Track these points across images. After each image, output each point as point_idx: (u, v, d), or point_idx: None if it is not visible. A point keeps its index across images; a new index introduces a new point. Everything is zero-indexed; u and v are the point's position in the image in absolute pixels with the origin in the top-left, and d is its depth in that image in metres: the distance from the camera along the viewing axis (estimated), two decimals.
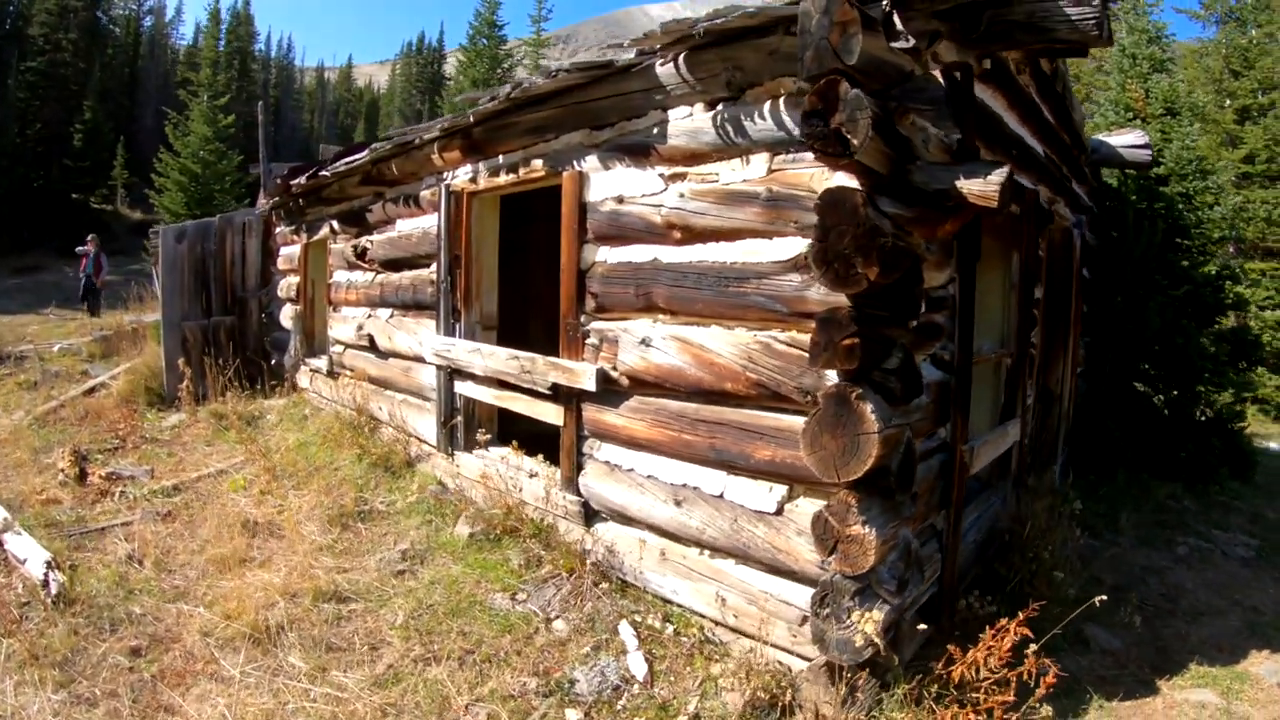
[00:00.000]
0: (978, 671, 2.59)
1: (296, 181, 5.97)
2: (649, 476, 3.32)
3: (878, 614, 2.49)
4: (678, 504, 3.19)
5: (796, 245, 2.75)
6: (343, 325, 6.07)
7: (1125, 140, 5.66)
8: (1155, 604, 3.99)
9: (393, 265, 5.34)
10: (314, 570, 3.89)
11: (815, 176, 2.72)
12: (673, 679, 3.00)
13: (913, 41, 2.52)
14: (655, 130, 3.24)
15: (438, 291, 4.65)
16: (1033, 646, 2.59)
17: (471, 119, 3.81)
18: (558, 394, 3.68)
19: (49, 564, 3.71)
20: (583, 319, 3.58)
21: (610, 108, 3.45)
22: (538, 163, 3.88)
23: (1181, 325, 5.42)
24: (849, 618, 2.58)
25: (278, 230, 7.50)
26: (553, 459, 3.92)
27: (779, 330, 2.84)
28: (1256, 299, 6.27)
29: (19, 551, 3.94)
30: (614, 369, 3.40)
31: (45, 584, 3.56)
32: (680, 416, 3.15)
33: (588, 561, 3.58)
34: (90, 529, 4.56)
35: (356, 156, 5.22)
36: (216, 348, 7.01)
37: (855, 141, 2.33)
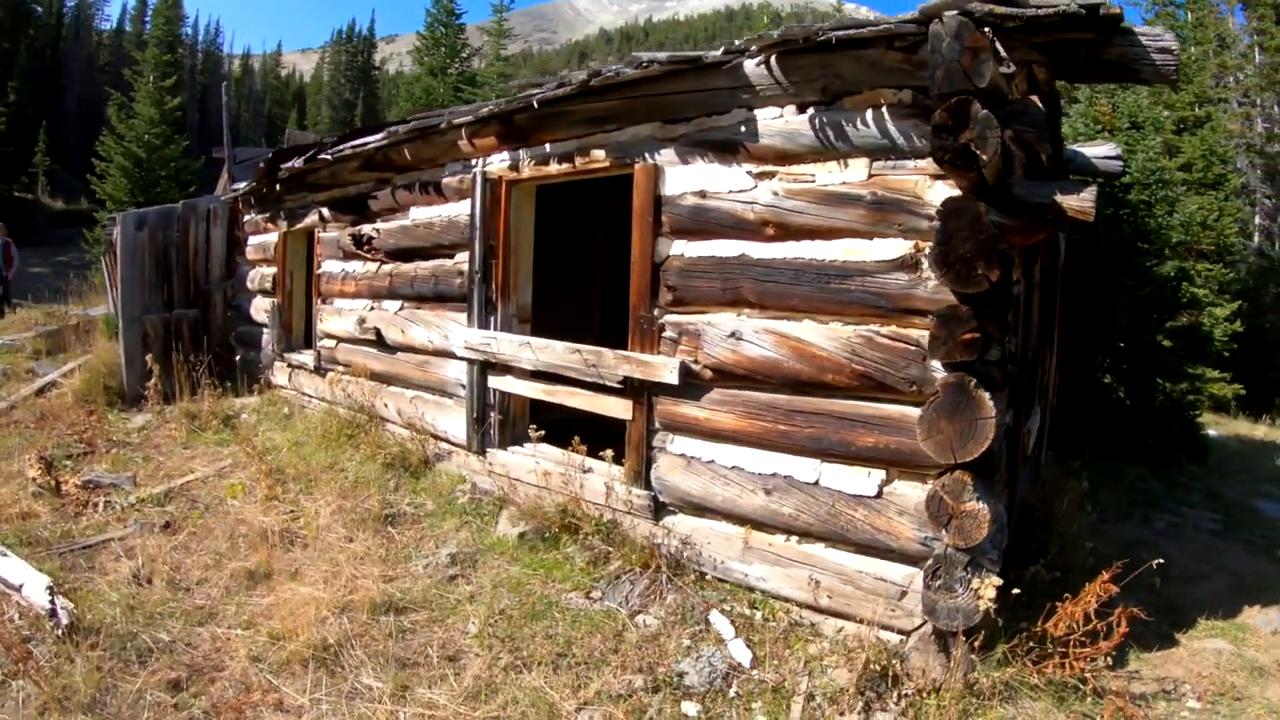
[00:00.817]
0: (1058, 626, 2.99)
1: (289, 165, 5.69)
2: (733, 467, 3.51)
3: (997, 580, 2.81)
4: (767, 493, 3.40)
5: (900, 246, 3.03)
6: (336, 318, 5.86)
7: (1099, 151, 6.37)
8: (1161, 571, 4.60)
9: (403, 255, 5.23)
10: (357, 580, 3.76)
11: (919, 184, 3.01)
12: (776, 662, 3.20)
13: (1014, 68, 2.85)
14: (743, 128, 3.42)
15: (469, 283, 4.62)
16: (1096, 606, 3.03)
17: (536, 104, 3.84)
18: (628, 388, 3.79)
19: (52, 590, 3.40)
20: (656, 312, 3.71)
21: (688, 102, 3.60)
22: (599, 153, 3.96)
23: (1146, 322, 6.20)
24: (961, 588, 2.88)
25: (246, 218, 7.11)
26: (604, 453, 3.98)
27: (879, 325, 3.10)
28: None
29: (10, 576, 3.61)
30: (695, 362, 3.56)
31: (52, 614, 3.29)
32: (772, 408, 3.36)
33: (660, 555, 3.71)
34: (80, 545, 4.26)
35: (368, 139, 5.07)
36: (179, 343, 6.56)
37: (985, 157, 2.64)
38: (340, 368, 5.74)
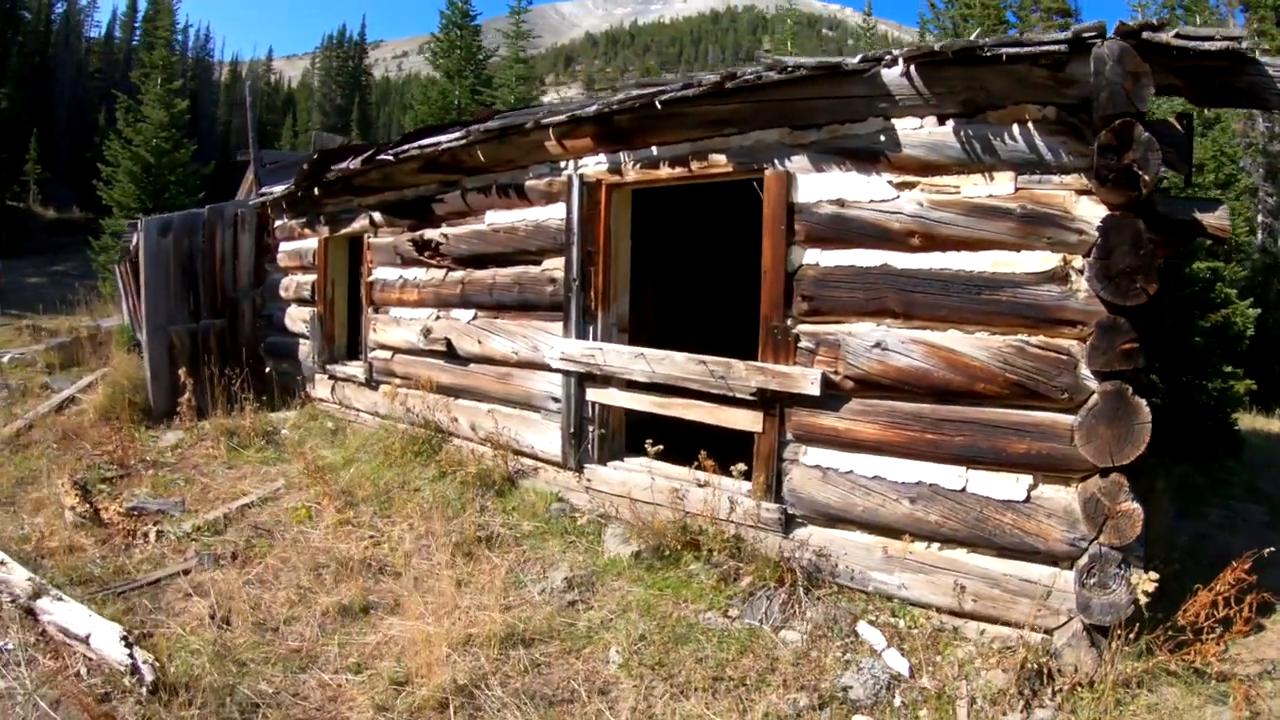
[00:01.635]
0: (1198, 616, 3.36)
1: (342, 166, 5.66)
2: (874, 477, 3.77)
3: (1154, 574, 3.16)
4: (911, 501, 3.67)
5: (1050, 259, 3.34)
6: (394, 328, 5.87)
7: None
8: (1224, 560, 5.09)
9: (477, 261, 5.31)
10: (472, 612, 3.67)
11: (1067, 198, 3.33)
12: (931, 669, 3.46)
13: (1154, 91, 3.21)
14: (883, 137, 3.68)
15: (564, 291, 4.75)
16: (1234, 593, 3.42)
17: (659, 105, 3.97)
18: (760, 399, 4.01)
19: (127, 640, 3.16)
20: (789, 322, 3.95)
21: (819, 109, 3.84)
22: (719, 157, 4.16)
23: (1187, 323, 6.80)
24: (1115, 584, 3.22)
25: (278, 223, 7.05)
26: (734, 466, 4.18)
27: (1027, 334, 3.41)
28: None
29: (73, 625, 3.37)
30: (835, 372, 3.81)
31: (134, 669, 3.06)
32: (918, 417, 3.63)
33: (793, 568, 3.93)
34: (140, 583, 4.15)
35: (439, 139, 5.13)
36: (208, 355, 6.46)
37: (1147, 178, 3.00)
38: (397, 380, 5.76)
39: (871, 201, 3.71)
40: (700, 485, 4.30)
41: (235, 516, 4.97)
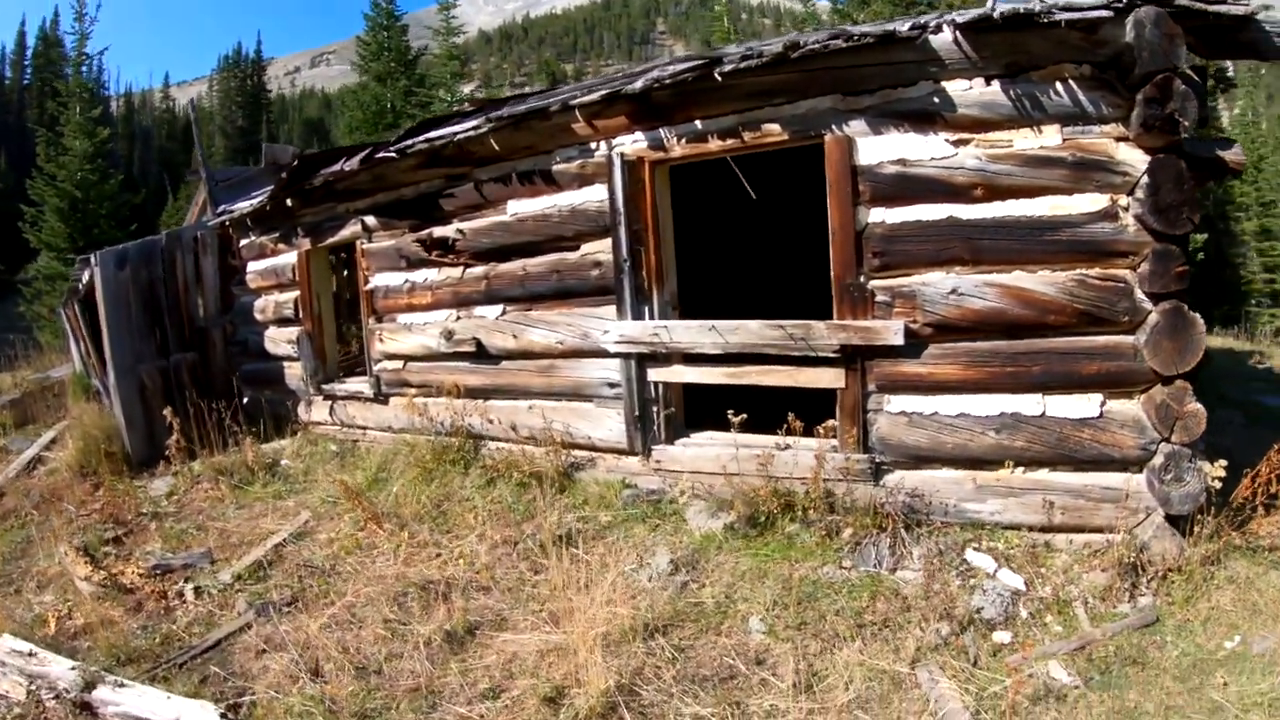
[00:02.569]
0: (1255, 495, 4.29)
1: (334, 169, 5.72)
2: (959, 414, 4.51)
3: (1222, 460, 4.10)
4: (997, 432, 4.45)
5: (1099, 200, 4.16)
6: (406, 335, 6.05)
7: None
8: (1229, 457, 6.28)
9: (501, 254, 5.62)
10: (590, 611, 3.77)
11: (1109, 145, 4.18)
12: (1041, 580, 4.25)
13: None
14: (936, 99, 4.41)
15: (615, 273, 5.17)
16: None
17: (719, 77, 4.43)
18: (842, 355, 4.66)
19: (227, 717, 3.25)
20: (863, 279, 4.63)
21: (871, 75, 4.51)
22: (773, 127, 4.75)
23: None
24: (1189, 476, 4.12)
25: (244, 242, 6.95)
26: (826, 423, 4.77)
27: (1086, 268, 4.24)
28: None
29: (151, 713, 3.33)
30: (914, 321, 4.53)
31: None
32: (995, 354, 4.41)
33: (889, 513, 4.63)
34: (200, 649, 4.19)
35: (448, 130, 5.38)
36: (182, 391, 6.33)
37: (1186, 123, 3.87)
38: (413, 390, 5.96)
39: (933, 159, 4.42)
40: (782, 449, 4.92)
41: (273, 558, 5.06)
